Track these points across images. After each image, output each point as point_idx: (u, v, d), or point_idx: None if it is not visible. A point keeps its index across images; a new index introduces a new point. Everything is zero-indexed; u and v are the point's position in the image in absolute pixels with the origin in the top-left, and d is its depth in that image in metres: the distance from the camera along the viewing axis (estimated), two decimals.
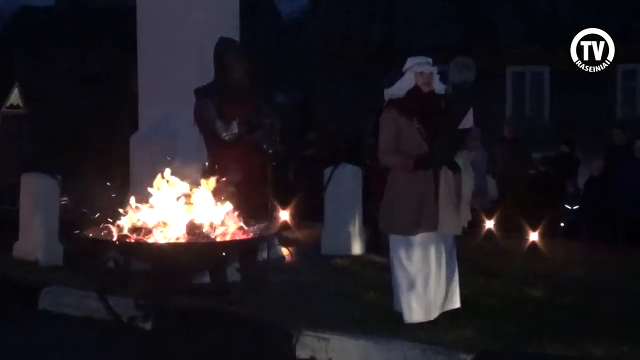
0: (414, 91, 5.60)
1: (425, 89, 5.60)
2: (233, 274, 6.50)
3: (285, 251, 8.36)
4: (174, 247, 4.56)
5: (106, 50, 16.82)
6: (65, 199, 10.65)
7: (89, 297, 5.95)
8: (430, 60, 5.67)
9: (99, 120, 13.48)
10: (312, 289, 6.80)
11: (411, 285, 5.63)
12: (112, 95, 12.89)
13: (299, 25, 22.44)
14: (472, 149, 11.35)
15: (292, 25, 22.75)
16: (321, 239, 8.67)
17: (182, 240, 4.58)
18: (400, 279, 5.68)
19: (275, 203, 9.75)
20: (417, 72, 5.59)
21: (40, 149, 11.64)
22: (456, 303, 5.79)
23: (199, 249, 4.55)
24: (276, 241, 7.79)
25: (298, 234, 9.65)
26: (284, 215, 9.94)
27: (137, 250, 4.64)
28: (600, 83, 18.48)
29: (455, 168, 5.53)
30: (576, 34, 17.70)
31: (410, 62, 5.64)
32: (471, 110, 5.53)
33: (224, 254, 5.06)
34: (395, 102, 5.65)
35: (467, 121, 5.55)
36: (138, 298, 4.99)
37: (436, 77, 5.67)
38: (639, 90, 19.92)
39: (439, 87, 5.71)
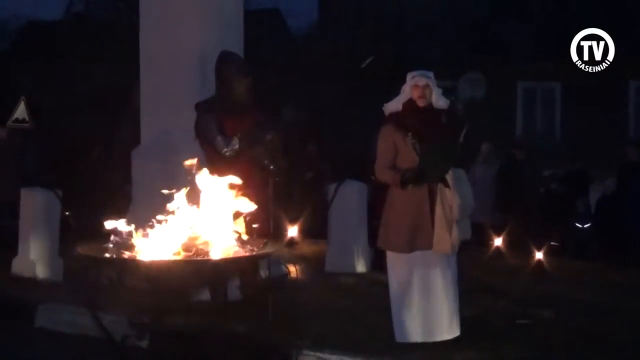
0: (409, 104, 5.46)
1: (420, 103, 5.45)
2: (234, 291, 6.39)
3: (289, 268, 8.22)
4: (167, 265, 4.43)
5: (112, 64, 16.79)
6: (68, 213, 10.59)
7: (84, 315, 5.82)
8: (430, 73, 5.52)
9: (103, 135, 13.41)
10: (314, 308, 6.67)
11: (405, 304, 5.47)
12: (117, 109, 12.83)
13: (308, 40, 22.38)
14: (488, 164, 11.29)
15: (300, 41, 22.69)
16: (326, 256, 8.53)
17: (178, 257, 4.45)
18: (395, 296, 5.53)
19: (282, 219, 9.68)
20: (412, 85, 5.46)
21: (44, 163, 11.55)
22: (456, 331, 5.59)
23: (194, 267, 4.42)
24: (279, 258, 7.64)
25: (303, 251, 9.55)
26: (291, 231, 9.85)
27: (130, 267, 4.52)
28: (612, 99, 18.35)
29: (445, 185, 5.35)
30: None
31: (408, 75, 5.52)
32: (466, 126, 5.35)
33: (221, 272, 4.93)
34: (392, 117, 5.51)
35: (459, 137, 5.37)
36: (132, 317, 4.87)
37: (436, 91, 5.52)
38: None
39: (440, 101, 5.55)
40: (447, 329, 5.56)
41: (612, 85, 18.05)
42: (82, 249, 4.66)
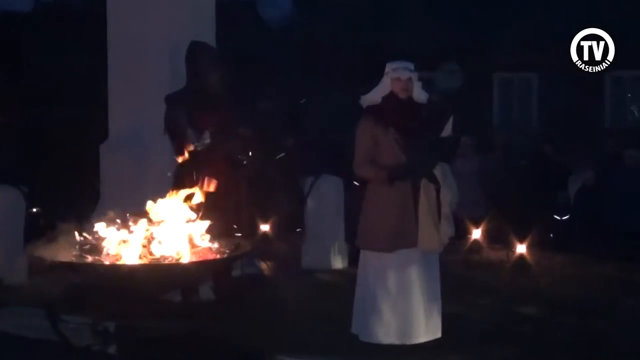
0: (390, 98, 5.21)
1: (402, 96, 5.21)
2: (207, 291, 6.13)
3: (263, 265, 7.99)
4: (135, 270, 4.17)
5: (84, 56, 16.42)
6: (37, 209, 10.27)
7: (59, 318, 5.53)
8: (411, 65, 5.28)
9: (76, 129, 13.09)
10: (289, 308, 6.42)
11: (380, 304, 5.23)
12: (90, 102, 12.51)
13: (284, 31, 22.10)
14: (466, 157, 11.09)
15: (277, 31, 22.40)
16: (302, 253, 8.29)
17: (145, 261, 4.20)
18: (367, 296, 5.29)
19: (255, 214, 9.44)
20: (393, 78, 5.21)
21: (15, 158, 11.22)
22: (437, 332, 5.37)
23: (160, 271, 4.16)
24: (253, 256, 7.41)
25: (279, 247, 9.31)
26: (265, 227, 9.61)
27: (97, 272, 4.26)
28: (589, 90, 18.26)
29: (433, 180, 5.12)
30: (566, 40, 17.50)
31: (388, 66, 5.26)
32: (451, 119, 5.12)
33: (192, 275, 4.68)
34: (372, 110, 5.26)
35: (446, 130, 5.14)
36: (98, 322, 4.62)
37: (417, 84, 5.27)
38: (628, 97, 19.70)
39: (420, 95, 5.30)
40: (428, 330, 5.34)
41: (589, 76, 17.97)
42: (44, 251, 4.39)
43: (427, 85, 5.47)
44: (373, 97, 5.27)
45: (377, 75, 5.53)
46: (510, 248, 8.76)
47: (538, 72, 19.44)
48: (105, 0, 7.53)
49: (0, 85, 14.60)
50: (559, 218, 11.68)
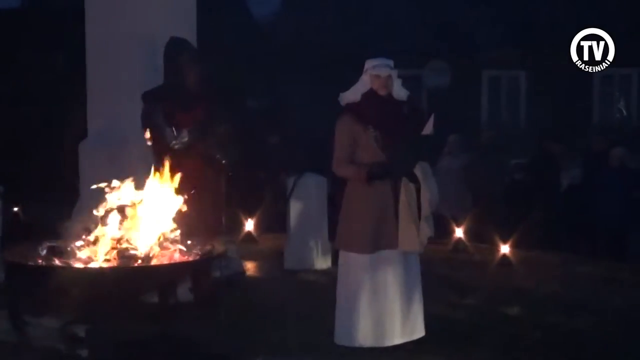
0: (370, 95, 5.10)
1: (381, 93, 5.09)
2: (185, 293, 6.02)
3: (245, 265, 7.88)
4: (106, 273, 4.05)
5: (69, 52, 16.27)
6: (17, 208, 10.15)
7: (24, 321, 5.40)
8: (390, 62, 5.16)
9: (59, 126, 12.95)
10: (271, 309, 6.32)
11: (359, 306, 5.12)
12: (73, 100, 12.38)
13: (271, 28, 21.97)
14: (453, 155, 11.00)
15: (263, 29, 22.27)
16: (284, 253, 8.19)
17: (113, 263, 4.08)
18: (346, 297, 5.18)
19: (238, 213, 9.33)
20: (373, 75, 5.09)
21: None
22: (420, 331, 5.28)
23: (128, 274, 4.05)
24: (232, 255, 7.30)
25: (262, 246, 9.21)
26: (248, 225, 9.51)
27: (67, 275, 4.14)
28: (577, 88, 18.22)
29: (413, 180, 5.01)
30: (553, 38, 17.43)
31: (367, 64, 5.15)
32: (432, 117, 5.01)
33: (167, 278, 4.56)
34: (351, 108, 5.14)
35: (428, 128, 5.03)
36: (69, 325, 4.50)
37: (397, 82, 5.16)
38: (617, 96, 19.66)
39: (400, 92, 5.20)
40: (405, 332, 5.23)
41: (577, 74, 17.91)
42: (11, 254, 4.27)
43: (415, 83, 5.36)
44: (352, 94, 5.16)
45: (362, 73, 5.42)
46: (494, 247, 8.70)
47: (526, 70, 19.38)
48: None
49: None
50: (545, 216, 11.62)
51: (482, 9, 19.14)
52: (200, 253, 4.35)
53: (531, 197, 10.81)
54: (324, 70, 17.72)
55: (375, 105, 5.06)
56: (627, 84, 19.51)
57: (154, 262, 4.09)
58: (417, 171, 5.00)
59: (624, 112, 19.82)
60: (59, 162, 10.64)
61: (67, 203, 7.64)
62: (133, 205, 4.55)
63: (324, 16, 20.05)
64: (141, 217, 4.36)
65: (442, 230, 8.27)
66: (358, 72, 5.35)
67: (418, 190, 5.02)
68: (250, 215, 9.53)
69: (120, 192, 4.82)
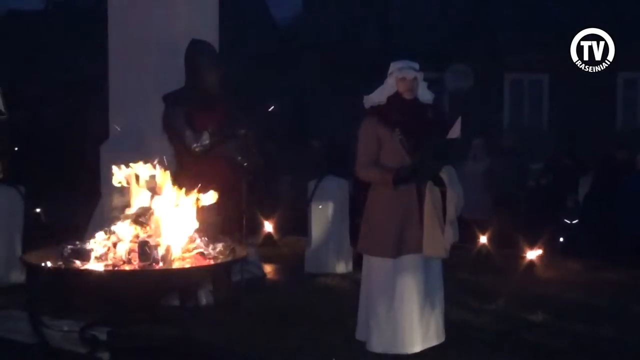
0: (395, 98, 5.04)
1: (407, 96, 5.04)
2: (207, 295, 6.01)
3: (267, 268, 7.86)
4: (128, 276, 4.03)
5: (92, 55, 16.37)
6: (39, 210, 10.17)
7: (44, 323, 5.40)
8: (416, 65, 5.10)
9: (81, 128, 13.03)
10: (290, 313, 6.28)
11: (382, 311, 5.05)
12: (94, 102, 12.42)
13: (292, 30, 21.97)
14: (477, 159, 10.91)
15: (284, 31, 22.28)
16: (305, 256, 8.15)
17: (134, 266, 4.06)
18: (370, 303, 5.13)
19: (260, 216, 9.31)
20: (399, 78, 5.03)
21: (18, 157, 11.12)
22: (441, 337, 5.20)
23: (149, 277, 4.03)
24: (252, 258, 7.27)
25: (283, 249, 9.19)
26: (268, 228, 9.49)
27: (76, 278, 4.13)
28: (600, 92, 18.06)
29: (439, 184, 4.94)
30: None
31: (393, 66, 5.08)
32: (459, 120, 4.93)
33: (189, 281, 4.54)
34: (376, 111, 5.08)
35: (454, 131, 4.95)
36: (91, 328, 4.49)
37: (422, 84, 5.10)
38: None
39: (425, 95, 5.13)
40: (427, 338, 5.16)
41: (601, 78, 17.75)
42: (31, 256, 4.26)
43: (437, 86, 5.29)
44: (377, 97, 5.09)
45: (383, 75, 5.37)
46: (519, 253, 8.61)
47: (549, 73, 19.23)
48: None
49: (10, 82, 14.54)
50: (568, 222, 11.51)
51: (505, 12, 19.04)
52: (221, 257, 4.32)
53: (555, 202, 10.71)
54: (344, 74, 17.70)
55: (401, 108, 5.00)
56: None
57: (175, 265, 4.06)
58: (443, 175, 4.92)
59: None
60: (80, 164, 10.69)
61: (88, 205, 7.66)
62: (153, 208, 4.52)
63: (346, 19, 20.02)
64: (163, 220, 4.33)
65: (465, 235, 8.19)
66: (380, 74, 5.29)
67: (443, 194, 4.95)
68: (270, 217, 9.51)
69: (142, 194, 4.79)
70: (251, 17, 20.04)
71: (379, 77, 5.34)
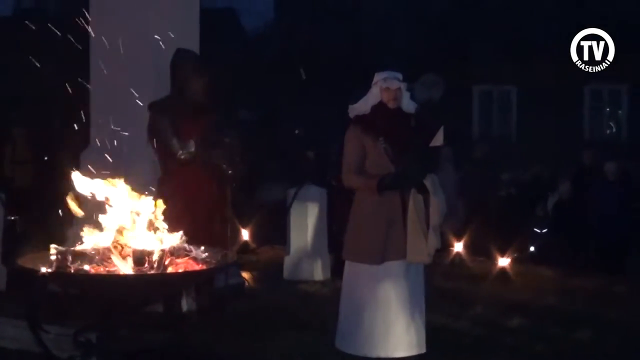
0: (380, 108, 5.17)
1: (391, 106, 5.17)
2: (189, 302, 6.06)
3: (246, 275, 7.91)
4: (117, 280, 4.08)
5: (64, 61, 16.28)
6: (14, 217, 10.10)
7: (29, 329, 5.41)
8: (399, 75, 5.22)
9: (54, 135, 12.92)
10: (270, 319, 6.35)
11: (363, 316, 5.12)
12: (68, 108, 12.36)
13: (263, 40, 22.07)
14: (442, 169, 11.04)
15: (255, 41, 22.36)
16: (284, 263, 8.23)
17: (129, 271, 4.11)
18: (350, 308, 5.22)
19: (237, 225, 9.36)
20: (383, 87, 5.16)
21: None
22: (422, 347, 5.28)
23: (146, 282, 4.08)
24: (235, 266, 7.33)
25: (261, 257, 9.24)
26: (245, 236, 9.54)
27: (72, 281, 4.17)
28: (568, 103, 18.39)
29: (423, 191, 5.07)
30: (545, 54, 17.57)
31: (377, 76, 5.20)
32: (442, 129, 5.07)
33: (176, 286, 4.59)
34: (361, 120, 5.20)
35: (437, 139, 5.09)
36: (78, 333, 4.51)
37: (406, 94, 5.23)
38: (606, 111, 19.85)
39: (409, 105, 5.27)
40: (410, 344, 5.24)
41: (568, 89, 18.10)
42: (23, 260, 4.29)
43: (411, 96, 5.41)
44: (362, 106, 5.21)
45: (358, 86, 5.49)
46: (492, 260, 8.78)
47: (517, 84, 19.54)
48: (88, 5, 7.40)
49: None
50: (538, 231, 11.72)
51: (475, 24, 19.31)
52: (212, 262, 4.38)
53: (526, 212, 10.91)
54: (316, 83, 17.82)
55: (385, 117, 5.12)
56: (617, 99, 19.73)
57: (169, 270, 4.12)
58: (427, 182, 5.05)
59: (614, 127, 20.03)
60: (58, 172, 10.62)
61: (66, 212, 7.63)
62: (140, 213, 4.56)
63: (316, 28, 20.16)
64: (150, 226, 4.38)
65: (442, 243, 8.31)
66: (352, 83, 5.40)
67: (426, 201, 5.07)
68: (247, 225, 9.56)
69: (127, 200, 4.83)
70: (221, 27, 20.09)
71: (351, 86, 5.46)
